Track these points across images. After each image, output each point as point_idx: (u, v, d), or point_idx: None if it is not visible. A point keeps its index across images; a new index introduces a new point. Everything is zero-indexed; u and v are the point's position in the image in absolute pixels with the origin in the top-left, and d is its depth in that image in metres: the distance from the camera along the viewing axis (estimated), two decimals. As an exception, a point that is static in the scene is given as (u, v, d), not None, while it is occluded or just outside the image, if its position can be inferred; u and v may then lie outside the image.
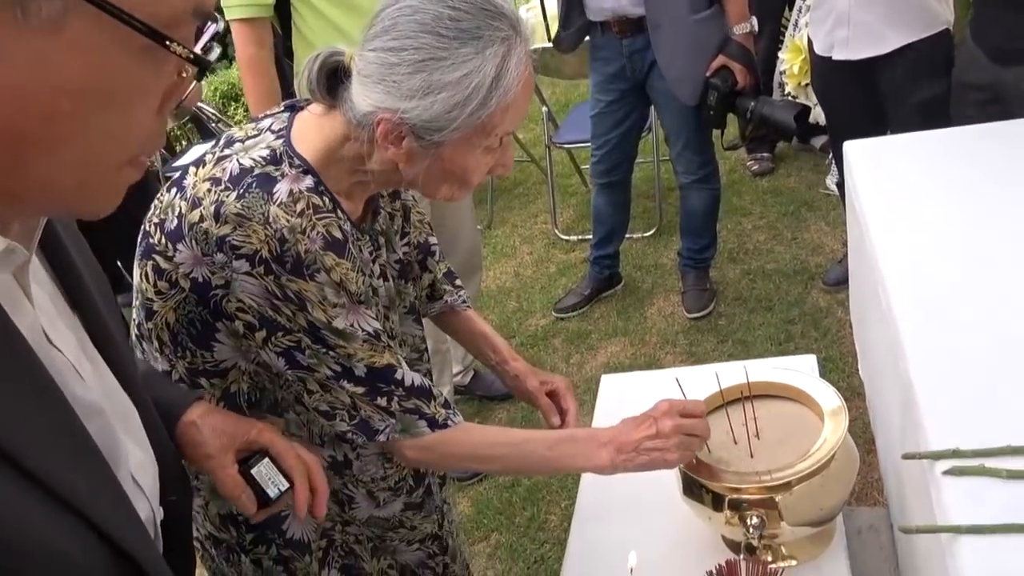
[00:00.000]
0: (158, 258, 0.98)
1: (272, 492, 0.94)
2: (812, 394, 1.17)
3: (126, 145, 0.57)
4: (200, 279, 0.96)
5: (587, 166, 4.04)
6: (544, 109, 3.62)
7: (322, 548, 1.19)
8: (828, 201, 3.31)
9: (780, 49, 3.33)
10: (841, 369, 2.40)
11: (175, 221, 0.97)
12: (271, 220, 0.93)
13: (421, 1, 0.91)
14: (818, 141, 3.65)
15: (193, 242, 0.95)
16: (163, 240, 0.98)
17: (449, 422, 1.06)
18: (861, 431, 1.95)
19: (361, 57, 0.94)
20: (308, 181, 0.96)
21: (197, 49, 0.56)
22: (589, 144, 3.45)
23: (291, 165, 0.97)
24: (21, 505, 0.53)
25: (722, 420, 1.19)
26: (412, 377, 1.04)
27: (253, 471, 0.94)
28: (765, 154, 3.68)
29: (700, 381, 1.23)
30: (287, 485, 0.95)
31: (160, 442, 0.78)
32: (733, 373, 1.21)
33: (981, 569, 0.79)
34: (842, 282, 2.74)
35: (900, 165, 1.62)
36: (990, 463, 0.88)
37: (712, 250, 2.91)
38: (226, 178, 0.96)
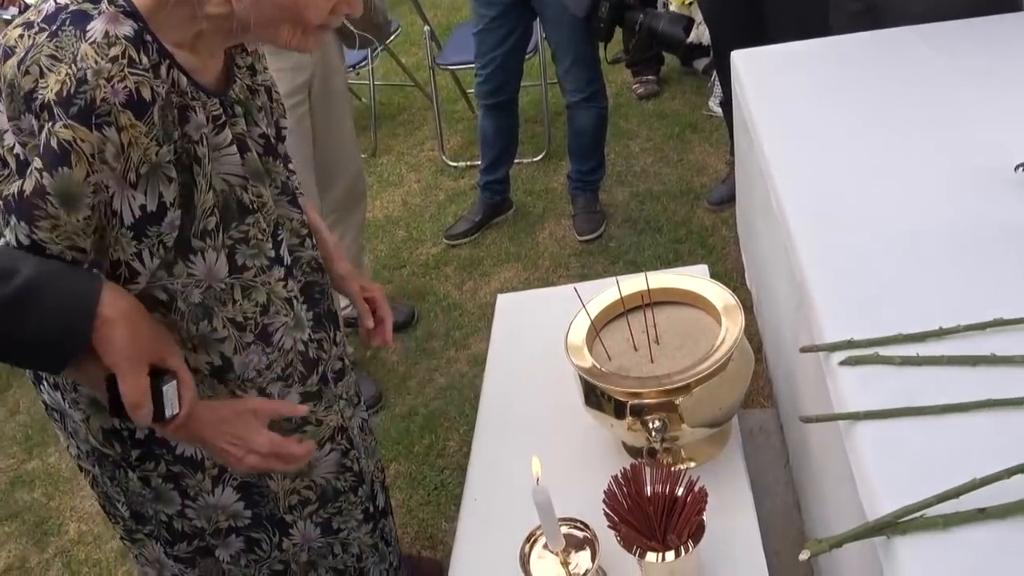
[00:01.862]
0: None
1: (168, 412, 0.92)
2: (708, 297, 1.16)
3: None
4: (21, 156, 0.86)
5: (473, 90, 3.94)
6: (426, 29, 3.46)
7: (217, 465, 1.12)
8: (711, 123, 3.36)
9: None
10: (727, 283, 2.45)
11: (24, 88, 0.85)
12: (79, 59, 0.83)
13: None
14: (700, 63, 3.68)
15: (9, 101, 0.85)
16: None
17: None
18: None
19: None
20: (128, 27, 0.86)
21: None
22: (470, 66, 3.35)
23: (111, 3, 0.87)
24: None
25: (622, 328, 1.17)
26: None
27: (164, 389, 0.92)
28: (650, 77, 3.68)
29: (594, 293, 1.21)
30: (179, 410, 0.94)
31: None
32: (632, 284, 1.19)
33: (879, 452, 0.81)
34: (725, 201, 2.80)
35: (787, 74, 1.63)
36: (884, 351, 0.90)
37: (601, 172, 2.90)
38: (39, 20, 0.86)
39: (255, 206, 1.03)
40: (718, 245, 2.67)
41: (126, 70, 0.84)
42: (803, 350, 0.98)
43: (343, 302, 2.46)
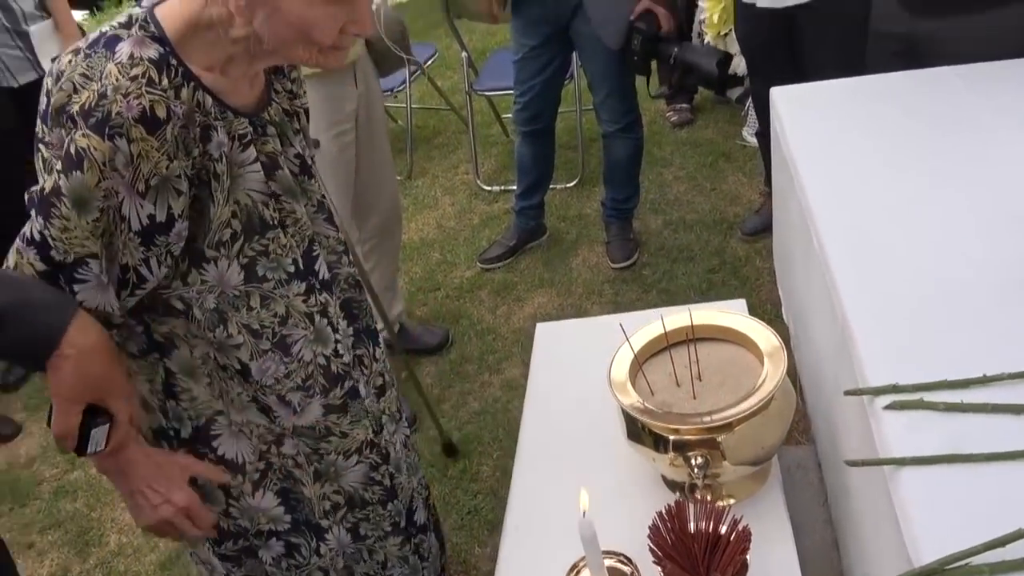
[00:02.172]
0: (41, 148, 0.95)
1: (90, 449, 1.00)
2: (750, 335, 1.18)
3: None
4: (50, 162, 0.95)
5: (509, 115, 3.99)
6: (464, 55, 3.53)
7: (259, 470, 1.18)
8: (745, 152, 3.38)
9: (699, -2, 3.34)
10: (762, 315, 2.46)
11: (44, 100, 0.95)
12: (103, 76, 0.91)
13: None
14: (734, 93, 3.70)
15: (50, 116, 0.94)
16: (40, 125, 0.95)
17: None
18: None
19: None
20: (153, 50, 0.93)
21: None
22: (511, 92, 3.40)
23: (142, 28, 0.95)
24: None
25: (664, 363, 1.19)
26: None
27: (92, 431, 0.99)
28: (684, 105, 3.71)
29: (634, 325, 1.23)
30: (103, 448, 1.01)
31: None
32: (675, 318, 1.21)
33: (924, 498, 0.82)
34: (759, 232, 2.82)
35: (826, 111, 1.65)
36: (928, 397, 0.91)
37: (635, 200, 2.92)
38: (84, 46, 0.96)
39: (276, 222, 1.08)
40: (752, 276, 2.68)
41: (143, 89, 0.90)
42: (848, 393, 0.99)
43: (380, 322, 2.53)
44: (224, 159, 1.00)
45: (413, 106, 3.96)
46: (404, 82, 3.65)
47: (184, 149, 0.95)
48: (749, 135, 3.39)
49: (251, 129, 1.04)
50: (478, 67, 3.70)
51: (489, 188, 3.54)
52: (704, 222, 3.00)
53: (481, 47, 4.72)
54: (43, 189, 0.92)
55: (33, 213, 0.94)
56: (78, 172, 0.90)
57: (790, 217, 1.60)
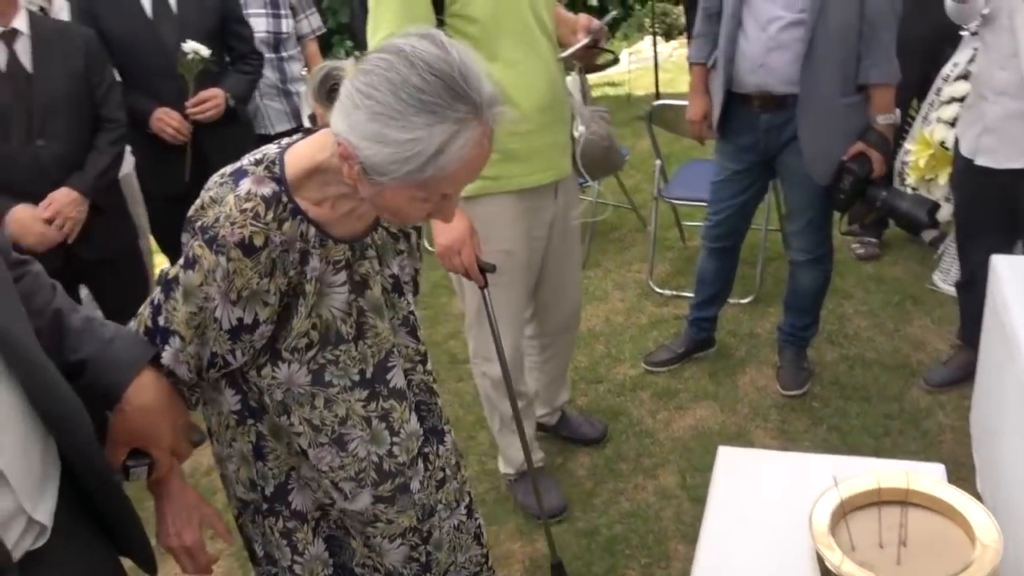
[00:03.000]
0: (183, 237, 1.17)
1: (131, 478, 1.18)
2: (965, 513, 1.17)
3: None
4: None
5: (689, 222, 4.07)
6: (657, 162, 3.66)
7: (315, 518, 1.36)
8: (935, 297, 3.27)
9: (904, 139, 3.31)
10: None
11: (192, 212, 1.17)
12: (223, 204, 1.11)
13: (399, 59, 1.00)
14: (928, 235, 3.60)
15: (190, 223, 1.17)
16: (186, 223, 1.18)
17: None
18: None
19: (345, 84, 1.03)
20: (268, 188, 1.10)
21: None
22: (699, 204, 3.49)
23: (267, 169, 1.12)
24: None
25: (869, 518, 1.20)
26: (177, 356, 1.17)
27: (131, 471, 1.17)
28: (872, 239, 3.65)
29: (823, 472, 1.23)
30: (144, 479, 1.20)
31: (45, 393, 0.99)
32: (889, 478, 1.22)
33: None
34: (945, 384, 2.71)
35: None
36: None
37: (814, 329, 2.89)
38: (228, 171, 1.16)
39: (351, 336, 1.23)
40: (932, 430, 2.57)
41: (248, 221, 1.08)
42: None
43: (540, 409, 2.62)
44: (315, 280, 1.17)
45: (597, 200, 4.14)
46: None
47: (282, 270, 1.13)
48: (942, 281, 3.28)
49: (349, 254, 1.20)
50: (668, 172, 3.82)
51: (661, 291, 3.61)
52: (884, 363, 2.92)
53: (667, 151, 4.86)
54: (170, 273, 1.16)
55: (159, 287, 1.17)
56: (190, 271, 1.12)
57: (1004, 390, 1.57)
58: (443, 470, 1.44)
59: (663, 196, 3.63)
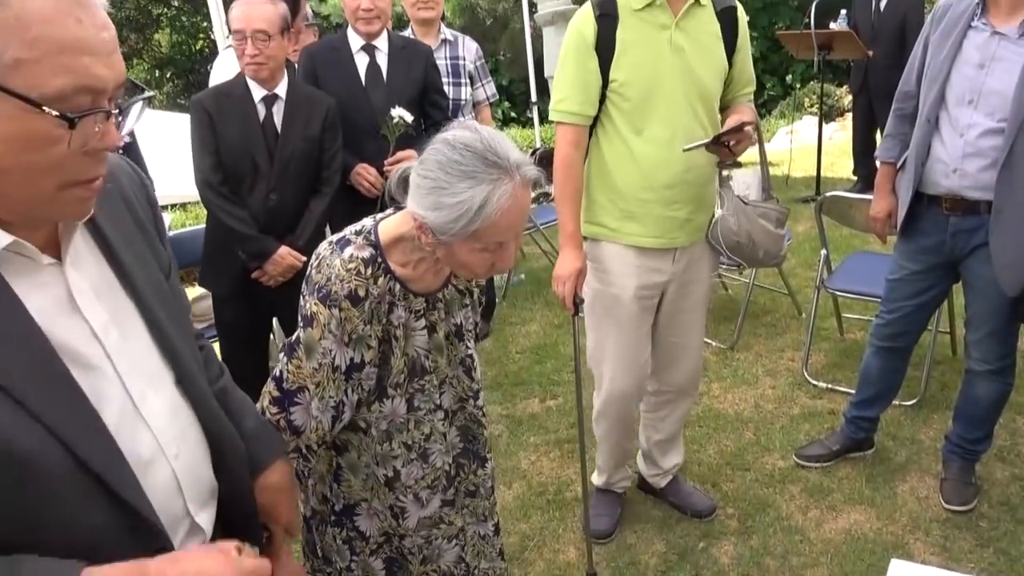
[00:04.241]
0: (301, 300, 1.39)
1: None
2: None
3: (50, 176, 0.82)
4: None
5: (849, 314, 3.96)
6: (823, 252, 3.61)
7: (378, 543, 1.56)
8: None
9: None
10: None
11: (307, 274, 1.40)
12: (330, 266, 1.35)
13: (444, 145, 1.29)
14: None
15: (306, 285, 1.40)
16: (303, 286, 1.40)
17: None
18: None
19: (412, 174, 1.32)
20: (366, 252, 1.36)
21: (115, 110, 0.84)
22: (863, 298, 3.41)
23: (365, 238, 1.38)
24: None
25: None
26: (302, 412, 1.38)
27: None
28: (1054, 354, 3.42)
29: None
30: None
31: (212, 418, 1.08)
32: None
33: None
34: None
35: None
36: None
37: (986, 444, 2.74)
38: (335, 240, 1.40)
39: (431, 368, 1.49)
40: (1121, 572, 2.37)
41: (353, 277, 1.34)
42: None
43: (650, 469, 2.77)
44: (401, 326, 1.43)
45: (754, 283, 4.11)
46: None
47: (377, 318, 1.38)
48: None
49: (426, 305, 1.45)
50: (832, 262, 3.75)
51: (815, 382, 3.52)
52: (1063, 490, 2.72)
53: (835, 242, 4.76)
54: (291, 336, 1.39)
55: (283, 356, 1.39)
56: (309, 328, 1.35)
57: None
58: (476, 485, 1.65)
59: (826, 287, 3.57)
